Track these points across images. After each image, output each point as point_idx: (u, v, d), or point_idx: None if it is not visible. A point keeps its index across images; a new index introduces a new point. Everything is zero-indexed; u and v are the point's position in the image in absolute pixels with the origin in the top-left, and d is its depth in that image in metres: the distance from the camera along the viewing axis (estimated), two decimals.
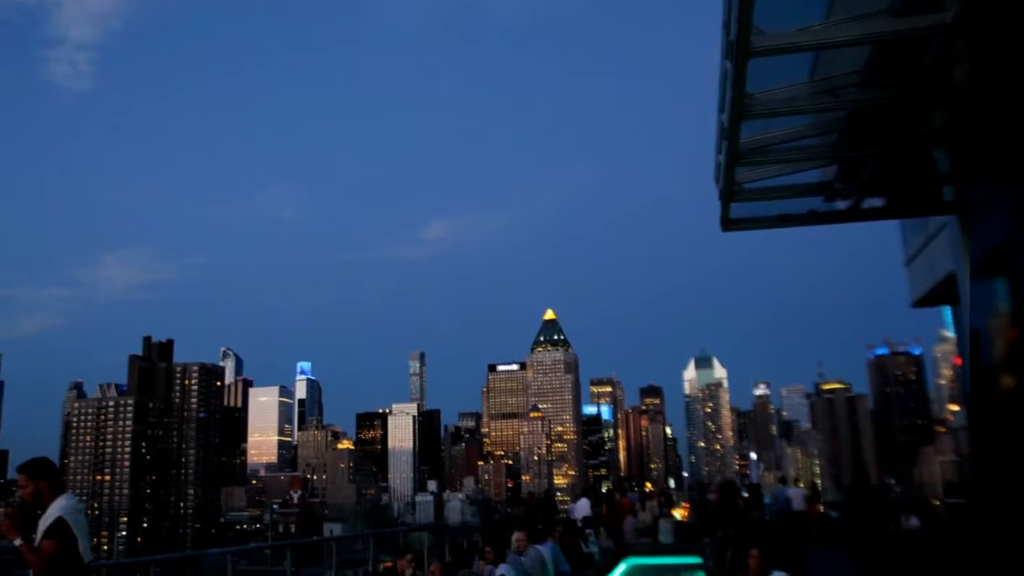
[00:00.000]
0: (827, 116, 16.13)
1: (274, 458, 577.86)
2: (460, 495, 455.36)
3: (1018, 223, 12.76)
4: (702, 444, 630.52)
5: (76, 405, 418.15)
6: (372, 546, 32.70)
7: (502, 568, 19.75)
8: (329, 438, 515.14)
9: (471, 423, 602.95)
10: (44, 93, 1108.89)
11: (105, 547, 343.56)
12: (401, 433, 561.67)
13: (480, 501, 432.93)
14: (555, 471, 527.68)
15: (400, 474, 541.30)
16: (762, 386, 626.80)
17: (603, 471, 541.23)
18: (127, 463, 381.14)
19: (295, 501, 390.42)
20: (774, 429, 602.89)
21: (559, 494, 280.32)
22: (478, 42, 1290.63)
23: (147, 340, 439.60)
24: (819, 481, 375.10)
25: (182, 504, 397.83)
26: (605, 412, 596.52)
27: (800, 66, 14.44)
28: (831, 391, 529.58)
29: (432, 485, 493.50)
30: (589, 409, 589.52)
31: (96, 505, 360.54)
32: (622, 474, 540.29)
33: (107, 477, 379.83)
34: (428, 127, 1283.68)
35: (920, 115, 14.82)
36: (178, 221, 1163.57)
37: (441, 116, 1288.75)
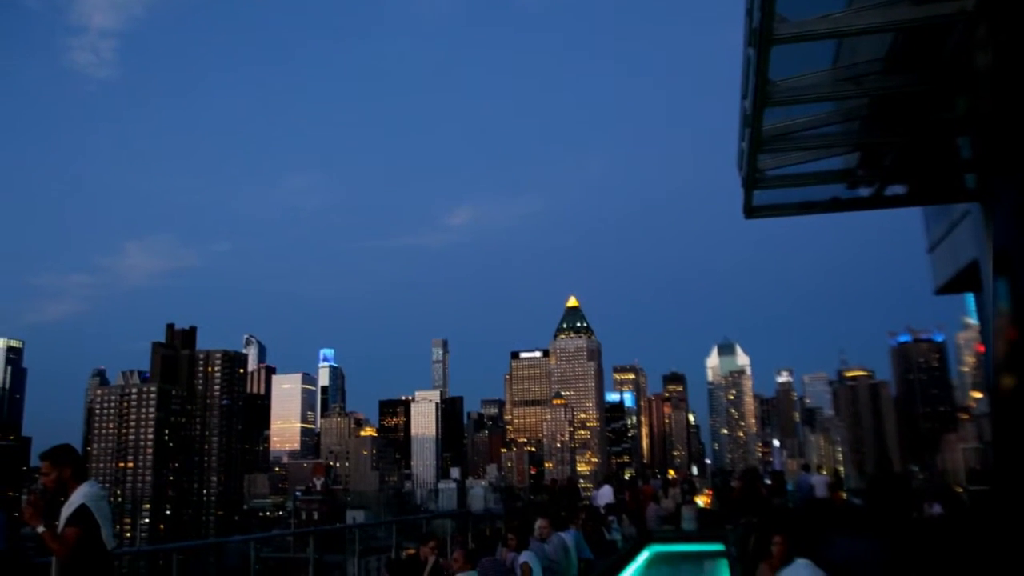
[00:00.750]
0: (850, 103, 16.12)
1: (297, 445, 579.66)
2: (483, 482, 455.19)
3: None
4: (725, 431, 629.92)
5: (99, 392, 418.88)
6: (395, 533, 32.63)
7: (525, 555, 19.78)
8: (352, 425, 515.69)
9: (494, 410, 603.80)
10: (68, 81, 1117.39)
11: (128, 534, 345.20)
12: (424, 420, 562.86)
13: (503, 488, 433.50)
14: (578, 458, 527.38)
15: (423, 461, 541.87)
16: (785, 373, 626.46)
17: (626, 458, 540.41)
18: (150, 450, 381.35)
19: (318, 488, 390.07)
20: (797, 416, 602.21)
21: (582, 481, 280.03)
22: (502, 29, 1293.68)
23: (170, 327, 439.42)
24: (842, 468, 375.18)
25: (205, 491, 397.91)
26: (628, 399, 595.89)
27: (823, 53, 14.45)
28: (854, 378, 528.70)
29: (455, 472, 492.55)
30: (612, 396, 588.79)
31: (119, 492, 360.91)
32: (645, 461, 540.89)
33: (130, 464, 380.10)
34: (452, 115, 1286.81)
35: (943, 102, 14.79)
36: (202, 209, 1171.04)
37: (465, 104, 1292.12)
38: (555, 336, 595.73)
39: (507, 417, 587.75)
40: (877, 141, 17.10)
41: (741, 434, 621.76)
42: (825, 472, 52.11)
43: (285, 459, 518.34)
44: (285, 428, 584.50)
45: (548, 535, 22.44)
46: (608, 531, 32.01)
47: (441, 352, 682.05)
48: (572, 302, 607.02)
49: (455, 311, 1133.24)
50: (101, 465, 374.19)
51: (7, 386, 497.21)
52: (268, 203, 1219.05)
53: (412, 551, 21.42)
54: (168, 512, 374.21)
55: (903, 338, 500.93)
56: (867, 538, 27.32)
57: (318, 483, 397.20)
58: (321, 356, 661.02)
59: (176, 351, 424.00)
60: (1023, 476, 13.04)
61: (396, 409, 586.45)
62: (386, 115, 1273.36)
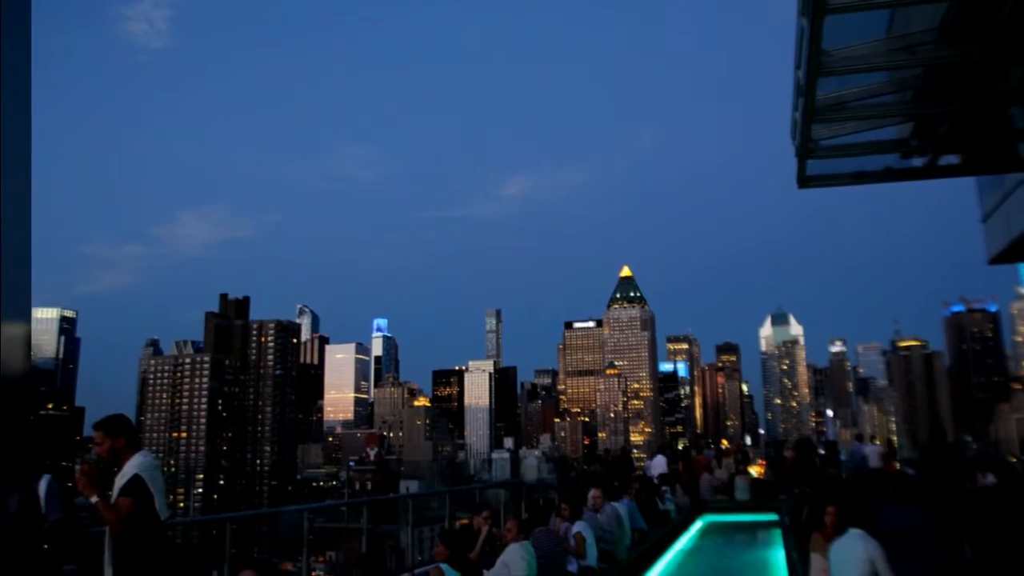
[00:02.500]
0: (903, 73, 16.06)
1: (350, 415, 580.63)
2: (536, 452, 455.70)
3: None
4: (778, 401, 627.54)
5: (152, 362, 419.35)
6: (448, 503, 32.55)
7: (578, 525, 19.80)
8: (405, 395, 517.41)
9: (547, 380, 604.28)
10: (122, 51, 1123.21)
11: (181, 504, 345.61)
12: (477, 390, 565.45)
13: (556, 458, 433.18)
14: (631, 428, 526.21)
15: (476, 431, 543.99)
16: (838, 343, 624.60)
17: (679, 428, 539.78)
18: (203, 420, 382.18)
19: (371, 458, 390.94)
20: (850, 386, 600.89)
21: (635, 451, 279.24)
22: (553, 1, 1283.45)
23: (223, 297, 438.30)
24: (895, 438, 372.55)
25: (258, 461, 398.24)
26: (681, 369, 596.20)
27: (876, 23, 14.41)
28: (907, 348, 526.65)
29: (508, 442, 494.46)
30: (665, 366, 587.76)
31: (172, 462, 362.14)
32: (698, 431, 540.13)
33: (183, 434, 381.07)
34: (506, 86, 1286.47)
35: (997, 72, 14.72)
36: (255, 179, 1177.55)
37: (519, 74, 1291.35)
38: (608, 306, 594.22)
39: (560, 387, 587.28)
40: (931, 111, 17.03)
41: (794, 404, 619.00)
42: (878, 442, 51.54)
43: (338, 429, 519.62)
44: (338, 398, 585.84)
45: (601, 505, 22.44)
46: (661, 501, 31.89)
47: (495, 322, 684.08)
48: (625, 272, 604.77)
49: (509, 281, 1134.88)
50: (154, 435, 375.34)
51: (61, 356, 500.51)
52: (322, 173, 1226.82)
53: (466, 521, 21.46)
54: (221, 482, 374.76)
55: (956, 308, 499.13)
56: (920, 508, 27.27)
57: (371, 453, 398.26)
58: (374, 326, 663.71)
59: (229, 321, 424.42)
60: None
61: (450, 379, 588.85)
62: (440, 86, 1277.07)
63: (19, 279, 4.25)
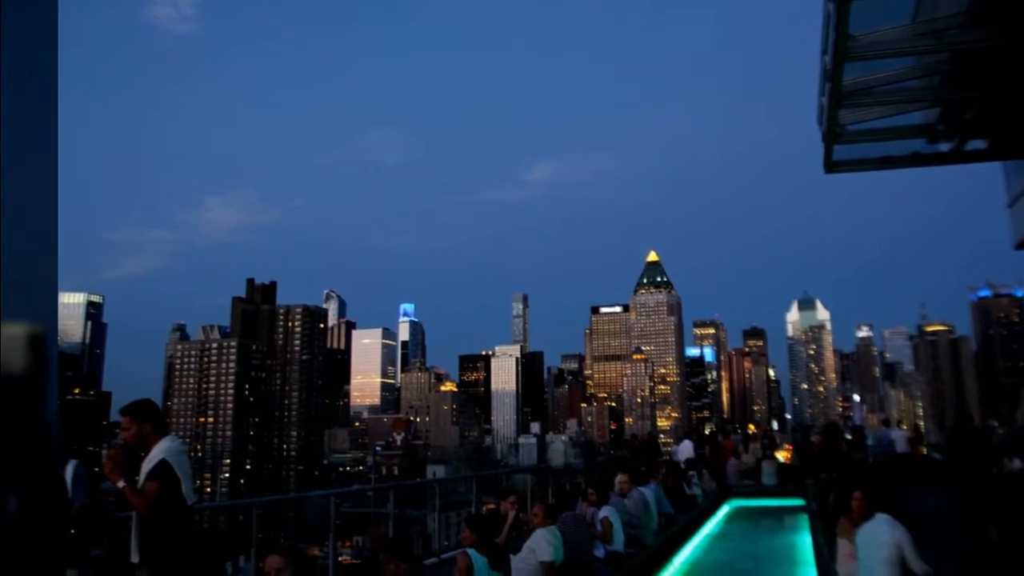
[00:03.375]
0: (930, 58, 16.01)
1: (377, 400, 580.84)
2: (563, 437, 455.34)
3: None
4: (805, 386, 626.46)
5: (179, 347, 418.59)
6: (475, 488, 32.47)
7: (605, 510, 19.82)
8: (432, 380, 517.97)
9: (574, 365, 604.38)
10: (148, 36, 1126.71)
11: (208, 489, 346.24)
12: (504, 375, 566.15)
13: (583, 443, 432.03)
14: (658, 413, 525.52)
15: (503, 416, 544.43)
16: (865, 328, 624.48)
17: (706, 413, 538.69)
18: (230, 405, 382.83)
19: (398, 443, 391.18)
20: (877, 371, 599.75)
21: (662, 436, 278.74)
22: None
23: (250, 282, 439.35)
24: (922, 423, 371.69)
25: (285, 446, 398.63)
26: (708, 354, 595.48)
27: (903, 8, 14.37)
28: (934, 333, 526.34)
29: (535, 427, 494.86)
30: (692, 351, 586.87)
31: (199, 447, 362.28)
32: (725, 416, 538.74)
33: (210, 419, 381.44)
34: (533, 69, 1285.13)
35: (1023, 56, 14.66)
36: (282, 163, 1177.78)
37: (546, 58, 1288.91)
38: (635, 291, 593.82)
39: (587, 372, 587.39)
40: (958, 96, 16.99)
41: (821, 389, 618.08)
42: (905, 427, 51.54)
43: (365, 414, 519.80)
44: (365, 383, 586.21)
45: (628, 490, 22.45)
46: (688, 486, 31.93)
47: (521, 307, 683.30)
48: (652, 257, 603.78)
49: (535, 265, 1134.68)
50: (181, 420, 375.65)
51: (87, 341, 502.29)
52: (348, 157, 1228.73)
53: (492, 506, 21.51)
54: (248, 467, 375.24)
55: (983, 293, 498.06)
56: (947, 493, 27.26)
57: (398, 438, 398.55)
58: (401, 311, 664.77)
59: (256, 306, 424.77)
60: None
61: (476, 364, 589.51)
62: (466, 70, 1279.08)
63: (46, 265, 4.27)
